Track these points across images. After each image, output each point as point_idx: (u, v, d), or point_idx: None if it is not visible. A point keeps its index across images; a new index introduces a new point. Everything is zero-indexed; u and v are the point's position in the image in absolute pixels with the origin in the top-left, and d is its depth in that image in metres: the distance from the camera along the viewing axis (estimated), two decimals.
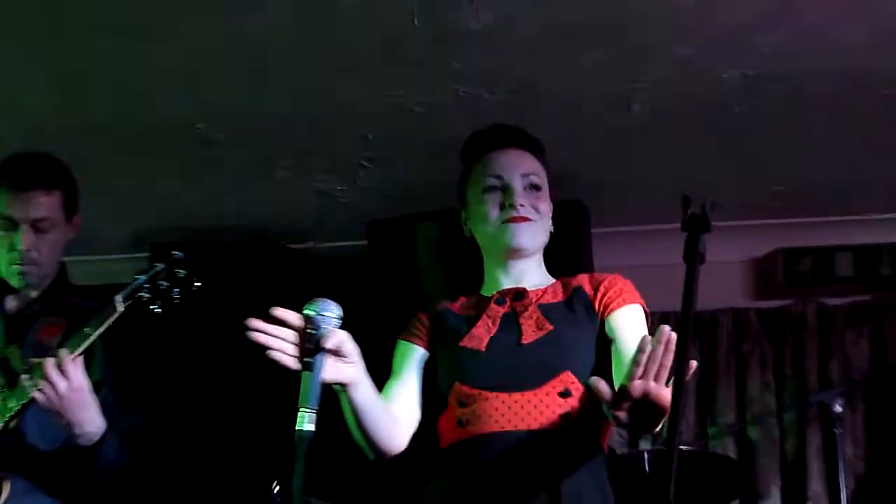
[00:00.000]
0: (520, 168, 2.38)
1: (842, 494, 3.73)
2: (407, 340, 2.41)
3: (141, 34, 3.17)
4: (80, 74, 3.43)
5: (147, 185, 4.22)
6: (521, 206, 2.33)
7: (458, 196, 2.48)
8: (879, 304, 4.53)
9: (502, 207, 2.34)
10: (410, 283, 4.07)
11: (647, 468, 3.41)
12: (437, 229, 4.08)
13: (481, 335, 2.30)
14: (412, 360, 2.37)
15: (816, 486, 4.28)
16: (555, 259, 2.46)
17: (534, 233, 2.36)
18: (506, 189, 2.35)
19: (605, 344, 2.28)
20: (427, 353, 2.38)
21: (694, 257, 1.82)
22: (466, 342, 2.29)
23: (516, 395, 2.20)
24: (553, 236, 2.44)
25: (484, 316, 2.33)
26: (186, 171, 4.13)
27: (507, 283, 2.39)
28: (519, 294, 2.35)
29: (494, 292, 2.38)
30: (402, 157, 4.00)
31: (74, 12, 3.07)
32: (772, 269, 4.63)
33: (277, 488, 3.25)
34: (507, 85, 3.50)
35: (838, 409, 3.83)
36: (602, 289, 2.33)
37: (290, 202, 4.36)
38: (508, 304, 2.34)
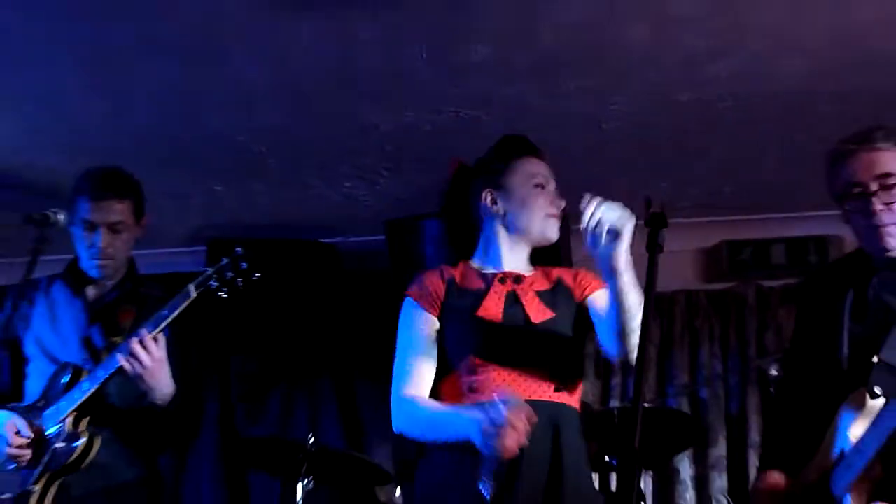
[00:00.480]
0: (553, 178, 2.40)
1: None
2: (424, 308, 2.29)
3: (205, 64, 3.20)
4: (152, 98, 3.46)
5: (200, 190, 4.21)
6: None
7: (490, 176, 2.38)
8: None
9: (549, 203, 2.35)
10: (420, 271, 4.08)
11: (616, 421, 3.43)
12: (442, 227, 4.10)
13: (495, 307, 2.23)
14: (431, 333, 2.27)
15: (755, 436, 4.26)
16: (541, 251, 2.45)
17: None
18: (550, 190, 2.37)
19: (581, 318, 2.28)
20: (439, 324, 2.27)
21: (654, 248, 1.84)
22: (483, 312, 2.22)
23: (518, 370, 2.16)
24: None
25: (492, 291, 2.27)
26: (234, 178, 4.12)
27: (507, 263, 2.34)
28: (518, 278, 2.31)
29: (496, 272, 2.33)
30: (414, 166, 3.99)
31: (138, 43, 3.11)
32: (718, 257, 4.62)
33: (312, 440, 3.27)
34: (499, 106, 3.51)
35: (774, 372, 3.83)
36: (579, 279, 2.34)
37: (320, 204, 4.35)
38: (510, 284, 2.30)
